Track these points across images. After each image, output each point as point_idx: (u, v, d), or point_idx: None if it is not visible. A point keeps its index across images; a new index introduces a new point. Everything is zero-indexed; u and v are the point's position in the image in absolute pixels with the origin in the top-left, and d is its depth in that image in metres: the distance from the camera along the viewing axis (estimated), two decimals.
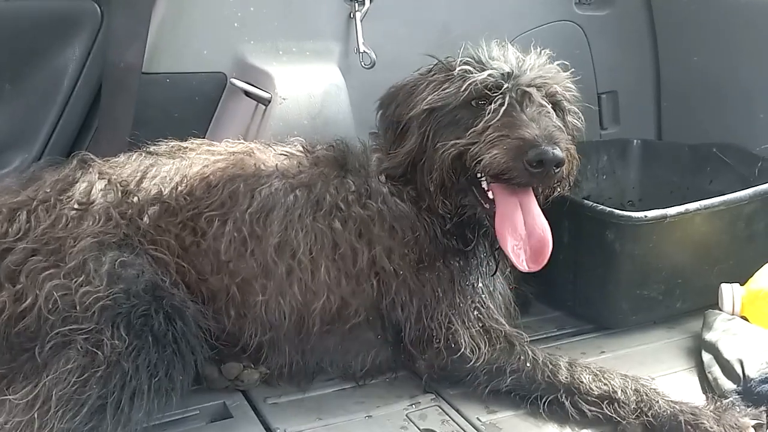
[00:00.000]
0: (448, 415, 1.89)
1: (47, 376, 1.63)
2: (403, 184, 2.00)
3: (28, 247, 1.78)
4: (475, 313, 1.97)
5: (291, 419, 1.85)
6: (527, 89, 1.86)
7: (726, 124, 2.87)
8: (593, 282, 2.25)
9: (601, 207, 2.15)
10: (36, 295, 1.70)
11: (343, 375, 2.01)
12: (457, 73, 1.90)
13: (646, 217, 2.11)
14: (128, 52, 2.25)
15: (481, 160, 1.80)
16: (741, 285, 2.25)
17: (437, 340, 1.93)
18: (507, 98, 1.84)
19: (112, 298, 1.71)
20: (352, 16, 2.55)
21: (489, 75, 1.86)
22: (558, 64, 2.01)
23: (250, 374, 1.93)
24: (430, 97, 1.92)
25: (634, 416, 1.80)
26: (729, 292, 2.23)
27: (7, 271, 1.75)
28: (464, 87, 1.87)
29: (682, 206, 2.15)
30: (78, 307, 1.69)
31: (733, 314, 2.20)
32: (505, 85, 1.85)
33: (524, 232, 1.84)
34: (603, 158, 2.88)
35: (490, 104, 1.84)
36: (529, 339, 2.01)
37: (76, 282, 1.72)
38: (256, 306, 1.88)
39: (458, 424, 1.85)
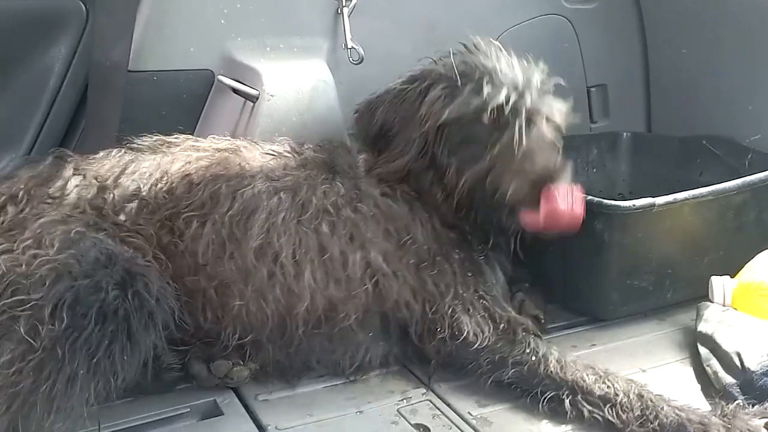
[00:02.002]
0: (439, 409, 1.88)
1: None
2: (398, 183, 2.01)
3: None
4: (481, 302, 1.97)
5: (282, 416, 1.84)
6: (537, 111, 1.94)
7: (715, 116, 2.87)
8: (583, 273, 2.25)
9: (590, 197, 2.14)
10: None
11: (332, 372, 1.99)
12: (471, 87, 1.95)
13: (634, 206, 2.10)
14: (114, 51, 2.23)
15: (502, 188, 1.89)
16: (731, 277, 2.24)
17: (442, 331, 1.93)
18: (523, 119, 1.91)
19: (62, 263, 1.62)
20: (339, 11, 2.54)
21: (506, 95, 1.92)
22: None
23: (239, 372, 1.91)
24: (443, 110, 1.96)
25: (638, 424, 1.73)
26: (719, 284, 2.21)
27: None
28: (481, 104, 1.92)
29: (670, 196, 2.15)
30: (25, 271, 1.62)
31: (723, 307, 2.20)
32: (519, 105, 1.92)
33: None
34: (593, 151, 2.88)
35: (506, 126, 1.91)
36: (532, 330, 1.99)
37: (29, 253, 1.66)
38: (235, 309, 1.86)
39: (449, 419, 1.85)
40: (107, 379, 1.60)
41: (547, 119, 1.97)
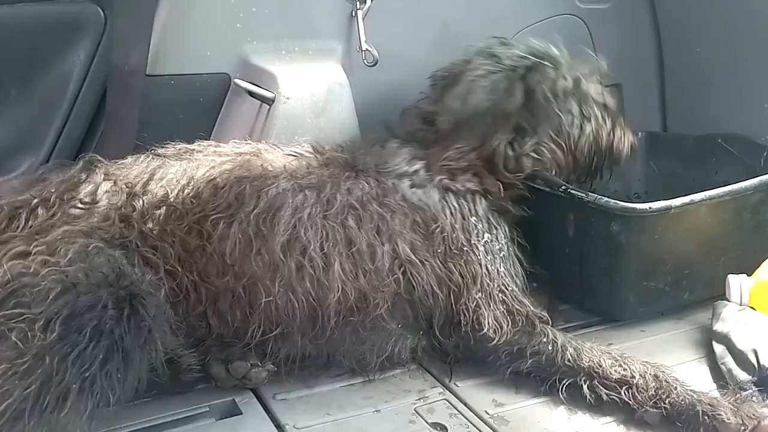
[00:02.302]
0: (456, 408, 1.89)
1: None
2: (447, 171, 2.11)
3: (18, 240, 1.75)
4: (500, 295, 1.99)
5: (300, 415, 1.86)
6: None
7: (731, 115, 2.85)
8: (599, 275, 2.24)
9: (606, 199, 2.14)
10: None
11: (356, 366, 2.00)
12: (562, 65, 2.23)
13: (650, 208, 2.10)
14: (132, 55, 2.26)
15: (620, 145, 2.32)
16: (748, 276, 2.23)
17: (465, 324, 1.96)
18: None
19: (70, 275, 1.60)
20: (353, 14, 2.56)
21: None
22: None
23: (257, 373, 1.93)
24: (551, 85, 2.19)
25: (651, 403, 1.79)
26: (736, 283, 2.21)
27: None
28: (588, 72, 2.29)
29: (686, 197, 2.14)
30: (31, 280, 1.59)
31: (740, 305, 2.20)
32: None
33: None
34: None
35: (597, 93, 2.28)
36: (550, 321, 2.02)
37: (40, 258, 1.66)
38: (263, 304, 1.87)
39: (466, 418, 1.86)
40: (106, 396, 1.57)
41: None
